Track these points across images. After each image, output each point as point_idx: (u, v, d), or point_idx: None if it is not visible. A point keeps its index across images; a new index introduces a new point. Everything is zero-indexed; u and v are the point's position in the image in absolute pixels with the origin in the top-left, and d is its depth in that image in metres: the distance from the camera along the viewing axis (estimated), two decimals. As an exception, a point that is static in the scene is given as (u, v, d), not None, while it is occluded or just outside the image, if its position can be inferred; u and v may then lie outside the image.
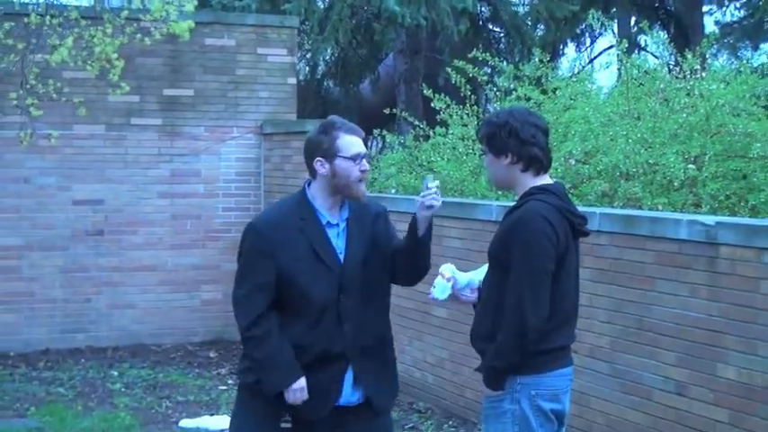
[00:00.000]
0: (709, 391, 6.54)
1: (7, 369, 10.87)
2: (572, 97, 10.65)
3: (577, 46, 24.63)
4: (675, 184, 8.76)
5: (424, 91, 11.91)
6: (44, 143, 11.25)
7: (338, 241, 4.83)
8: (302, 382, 4.72)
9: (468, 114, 11.18)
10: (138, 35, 10.85)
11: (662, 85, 10.05)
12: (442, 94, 11.39)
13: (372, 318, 4.86)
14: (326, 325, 4.73)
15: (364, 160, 4.82)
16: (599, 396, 7.43)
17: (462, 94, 11.26)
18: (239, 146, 12.52)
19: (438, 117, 11.52)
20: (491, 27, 20.93)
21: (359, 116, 19.33)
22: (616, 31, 22.48)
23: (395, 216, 9.56)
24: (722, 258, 6.41)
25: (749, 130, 8.79)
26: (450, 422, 8.91)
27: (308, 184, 4.91)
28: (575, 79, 11.42)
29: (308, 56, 20.70)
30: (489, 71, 15.93)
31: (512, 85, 11.23)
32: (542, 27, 21.06)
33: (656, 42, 12.11)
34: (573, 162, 9.60)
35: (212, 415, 9.13)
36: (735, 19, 24.05)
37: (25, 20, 10.38)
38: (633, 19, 22.92)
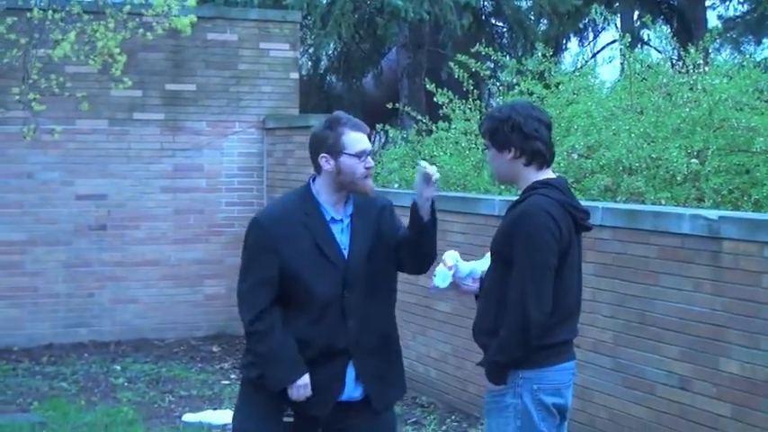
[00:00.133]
0: (712, 385, 6.54)
1: (11, 364, 10.88)
2: (575, 92, 10.65)
3: (580, 40, 24.65)
4: (678, 178, 8.76)
5: (427, 85, 11.91)
6: (47, 138, 11.27)
7: (342, 237, 4.81)
8: (306, 378, 4.71)
9: (470, 109, 11.18)
10: (141, 30, 10.87)
11: (665, 80, 10.05)
12: (445, 89, 11.39)
13: (377, 314, 4.85)
14: (330, 321, 4.73)
15: (369, 157, 4.80)
16: (602, 390, 7.43)
17: (465, 89, 11.26)
18: (242, 141, 12.52)
19: (441, 112, 11.52)
20: (494, 21, 20.94)
21: (362, 111, 19.33)
22: (619, 25, 22.51)
23: (398, 211, 9.58)
24: (725, 253, 6.41)
25: (752, 124, 8.79)
26: (453, 417, 8.91)
27: (313, 180, 4.88)
28: (577, 74, 11.42)
29: (311, 50, 20.68)
30: (492, 66, 15.91)
31: (514, 80, 11.23)
32: (545, 21, 21.08)
33: (658, 37, 12.08)
34: (576, 156, 9.60)
35: (215, 409, 9.14)
36: (738, 13, 24.06)
37: (28, 15, 10.40)
38: (636, 13, 22.91)
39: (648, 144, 9.12)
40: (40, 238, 11.74)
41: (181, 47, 12.19)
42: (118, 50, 10.59)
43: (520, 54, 17.27)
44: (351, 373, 4.79)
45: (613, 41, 23.36)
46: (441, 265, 4.93)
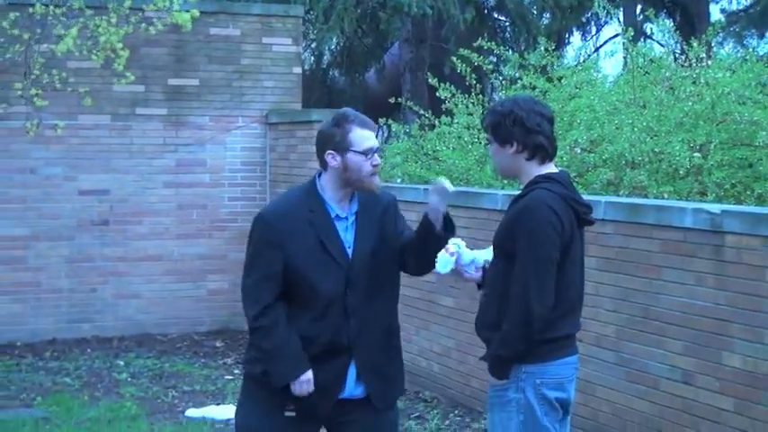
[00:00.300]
0: (715, 379, 6.54)
1: (14, 359, 10.89)
2: (577, 86, 10.64)
3: (583, 34, 24.61)
4: (681, 172, 8.76)
5: (430, 80, 11.90)
6: (50, 133, 11.28)
7: (347, 235, 4.79)
8: (309, 374, 4.71)
9: (473, 103, 11.17)
10: (143, 25, 10.86)
11: (667, 74, 10.04)
12: (448, 84, 11.37)
13: (379, 312, 4.84)
14: (332, 318, 4.72)
15: (376, 154, 4.78)
16: (605, 385, 7.43)
17: (468, 83, 11.25)
18: (244, 135, 12.52)
19: (443, 106, 11.52)
20: (496, 16, 20.94)
21: (364, 105, 19.33)
22: (622, 19, 22.45)
23: (401, 205, 9.57)
24: (728, 247, 6.40)
25: (755, 118, 8.77)
26: (456, 411, 8.91)
27: (319, 176, 4.86)
28: (580, 68, 11.39)
29: (314, 45, 20.69)
30: (495, 60, 15.89)
31: (517, 74, 11.23)
32: (548, 15, 21.06)
33: (661, 31, 12.10)
34: (578, 151, 9.59)
35: (218, 404, 9.15)
36: (741, 7, 24.04)
37: (30, 10, 10.40)
38: (639, 7, 22.89)
39: (651, 138, 9.11)
40: (43, 234, 11.75)
41: (183, 42, 12.19)
42: (120, 45, 10.58)
43: (522, 48, 17.25)
44: (352, 370, 4.79)
45: (616, 35, 23.37)
46: (443, 250, 4.90)
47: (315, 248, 4.71)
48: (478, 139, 10.65)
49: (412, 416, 8.83)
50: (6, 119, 11.21)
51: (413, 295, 9.35)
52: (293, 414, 4.77)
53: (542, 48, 11.22)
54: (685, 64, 10.16)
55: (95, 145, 11.95)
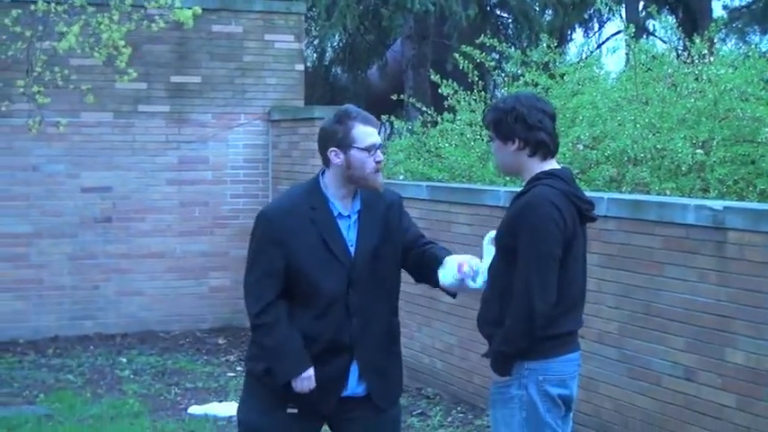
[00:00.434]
0: (717, 376, 6.53)
1: (16, 356, 10.90)
2: (580, 82, 10.64)
3: (585, 31, 24.62)
4: (683, 169, 8.76)
5: (432, 77, 11.90)
6: (52, 131, 11.28)
7: (349, 233, 4.78)
8: (310, 371, 4.70)
9: (475, 100, 11.17)
10: (145, 22, 10.86)
11: (670, 70, 10.04)
12: (450, 80, 11.37)
13: (381, 311, 4.84)
14: (334, 317, 4.71)
15: (379, 151, 4.76)
16: (607, 381, 7.43)
17: (470, 80, 11.25)
18: (247, 132, 12.52)
19: (446, 103, 11.51)
20: (499, 12, 20.94)
21: (366, 102, 19.33)
22: (624, 15, 22.45)
23: (404, 202, 9.56)
24: (730, 243, 6.40)
25: (757, 114, 8.77)
26: (459, 408, 8.91)
27: (322, 173, 4.85)
28: (582, 65, 11.40)
29: (316, 42, 20.69)
30: (497, 57, 15.90)
31: (519, 71, 11.23)
32: (550, 12, 21.06)
33: (664, 27, 12.08)
34: (581, 147, 9.59)
35: (221, 402, 9.15)
36: (743, 3, 24.03)
37: (32, 7, 10.40)
38: (641, 4, 22.89)
39: (653, 134, 9.11)
40: (46, 231, 11.75)
41: (186, 39, 12.19)
42: (122, 43, 10.58)
43: (525, 45, 17.27)
44: (354, 369, 4.78)
45: (618, 32, 23.33)
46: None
47: (317, 247, 4.70)
48: (481, 135, 10.65)
49: (414, 413, 8.83)
50: (9, 116, 11.21)
51: (414, 292, 9.33)
52: (295, 411, 4.77)
53: (545, 44, 11.22)
54: (688, 60, 10.16)
55: (98, 142, 11.95)
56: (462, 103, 11.21)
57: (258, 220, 4.81)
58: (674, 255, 6.82)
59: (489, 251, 4.87)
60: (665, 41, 13.34)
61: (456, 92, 11.25)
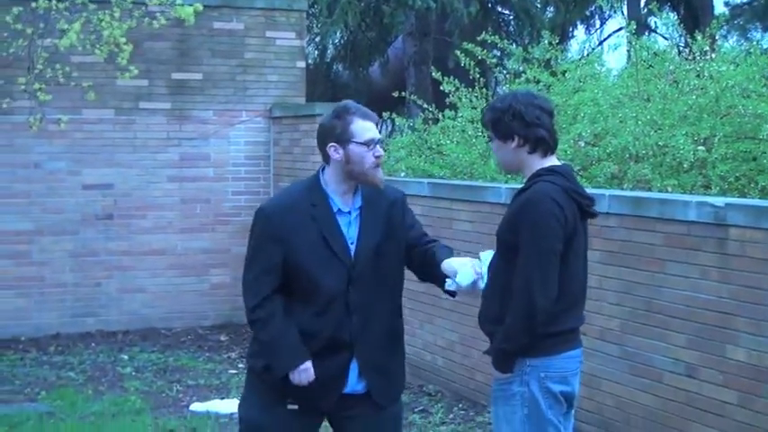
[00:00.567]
0: (718, 372, 6.53)
1: (18, 353, 10.91)
2: (581, 79, 10.64)
3: (587, 28, 24.61)
4: (685, 165, 8.75)
5: (434, 74, 11.89)
6: (53, 128, 11.28)
7: (350, 230, 4.77)
8: (308, 364, 4.69)
9: (477, 97, 11.16)
10: (146, 19, 10.86)
11: (671, 67, 10.03)
12: (452, 77, 11.37)
13: (382, 309, 4.82)
14: (334, 314, 4.70)
15: (378, 146, 4.75)
16: (609, 378, 7.43)
17: (472, 77, 11.24)
18: (248, 129, 12.52)
19: (447, 100, 11.51)
20: (500, 9, 20.92)
21: (368, 99, 19.30)
22: (626, 12, 22.46)
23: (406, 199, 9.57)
24: (732, 240, 6.40)
25: (759, 111, 8.76)
26: (461, 405, 8.92)
27: (322, 170, 4.84)
28: (584, 61, 11.40)
29: (317, 39, 20.69)
30: (498, 54, 15.89)
31: (521, 68, 11.22)
32: (552, 9, 21.05)
33: (665, 24, 12.08)
34: (582, 144, 9.58)
35: (222, 399, 9.15)
36: (745, 0, 24.00)
37: (33, 4, 10.39)
38: (643, 0, 22.86)
39: (655, 131, 9.10)
40: (47, 228, 11.76)
41: (187, 36, 12.19)
42: (123, 40, 10.58)
43: (526, 42, 17.26)
44: (354, 366, 4.77)
45: (620, 29, 23.31)
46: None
47: (317, 243, 4.69)
48: (482, 132, 10.63)
49: (416, 409, 8.84)
50: (10, 113, 11.20)
51: (417, 289, 9.32)
52: (296, 407, 4.77)
53: (546, 41, 11.22)
54: (689, 57, 10.16)
55: (99, 139, 11.95)
56: (464, 100, 11.20)
57: (257, 216, 4.81)
58: (676, 252, 6.82)
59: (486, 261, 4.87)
60: (666, 38, 13.35)
61: (457, 89, 11.25)
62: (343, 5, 16.69)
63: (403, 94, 13.39)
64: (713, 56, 10.07)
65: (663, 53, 10.52)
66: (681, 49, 11.10)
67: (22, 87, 10.59)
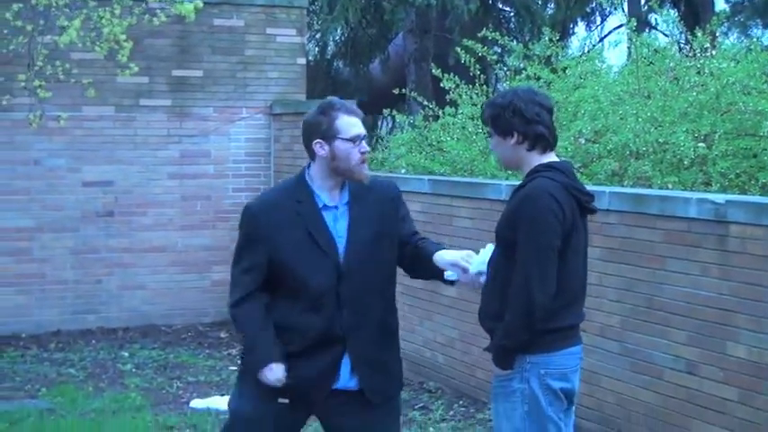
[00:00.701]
0: (719, 369, 6.53)
1: (19, 350, 10.92)
2: (582, 76, 10.63)
3: (587, 25, 24.57)
4: (685, 162, 8.75)
5: (434, 71, 11.89)
6: (53, 125, 11.28)
7: (337, 225, 4.76)
8: (277, 365, 4.71)
9: (477, 94, 11.16)
10: (147, 16, 10.85)
11: (672, 64, 10.03)
12: (452, 74, 11.36)
13: (374, 304, 4.81)
14: (325, 309, 4.70)
15: (364, 142, 4.74)
16: (609, 375, 7.43)
17: (472, 74, 11.24)
18: (249, 126, 12.51)
19: (448, 97, 11.50)
20: (501, 6, 20.90)
21: (368, 96, 19.31)
22: (626, 9, 22.42)
23: (406, 195, 9.56)
24: (732, 237, 6.40)
25: (759, 108, 8.76)
26: (461, 402, 8.92)
27: (308, 167, 4.85)
28: (584, 58, 11.39)
29: (318, 36, 20.67)
30: (499, 50, 15.89)
31: (521, 65, 11.21)
32: (552, 6, 21.04)
33: (666, 21, 12.05)
34: (583, 141, 9.58)
35: (223, 395, 9.14)
36: (745, -3, 23.97)
37: (33, 1, 10.37)
38: (643, -3, 22.84)
39: (655, 128, 9.10)
40: (48, 225, 11.76)
41: (187, 33, 12.19)
42: (124, 37, 10.57)
43: (527, 39, 17.23)
44: (346, 362, 4.76)
45: (620, 26, 23.30)
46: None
47: (303, 240, 4.70)
48: (482, 129, 10.62)
49: (416, 406, 8.84)
50: (10, 110, 11.20)
51: (416, 285, 9.34)
52: (286, 402, 4.76)
53: (547, 38, 11.21)
54: (690, 54, 10.16)
55: (99, 136, 11.96)
56: (464, 96, 11.20)
57: (243, 214, 4.85)
58: (676, 248, 6.82)
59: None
60: (667, 35, 13.33)
61: (458, 86, 11.25)
62: (344, 2, 16.68)
63: (403, 90, 13.38)
64: (714, 53, 10.07)
65: (663, 50, 10.52)
66: (681, 45, 11.11)
67: (22, 84, 10.59)
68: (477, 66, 11.17)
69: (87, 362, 10.48)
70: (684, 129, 8.83)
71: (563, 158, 4.92)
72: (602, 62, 11.40)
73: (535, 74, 10.71)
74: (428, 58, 18.21)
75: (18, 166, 11.63)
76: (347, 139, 4.69)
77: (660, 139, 8.95)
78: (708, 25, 10.42)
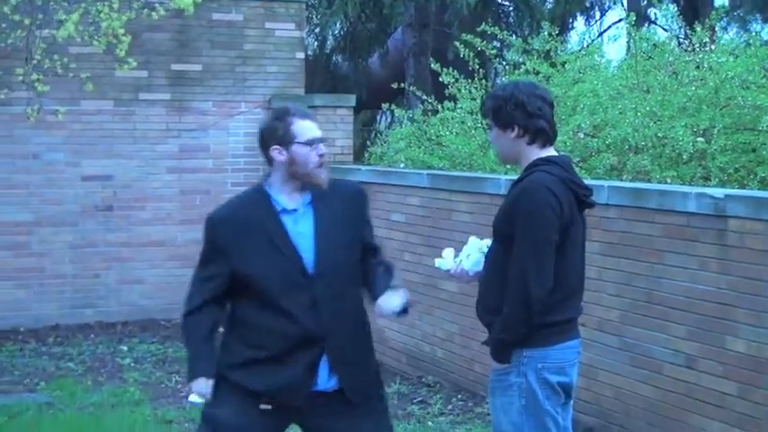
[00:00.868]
0: (718, 364, 6.54)
1: (17, 344, 10.91)
2: (581, 71, 10.64)
3: (587, 19, 24.52)
4: (684, 157, 8.75)
5: (433, 65, 11.88)
6: (52, 119, 11.27)
7: (298, 227, 4.72)
8: (205, 381, 4.74)
9: (476, 88, 11.16)
10: (145, 10, 10.84)
11: (671, 58, 10.03)
12: (451, 69, 11.36)
13: (349, 302, 4.79)
14: (299, 311, 4.64)
15: (321, 145, 4.73)
16: (608, 369, 7.43)
17: (471, 68, 11.24)
18: (248, 121, 12.49)
19: (447, 91, 11.50)
20: (500, 0, 20.86)
21: (367, 90, 19.28)
22: (625, 3, 22.42)
23: (405, 190, 9.58)
24: (731, 231, 6.40)
25: (758, 102, 8.76)
26: (460, 396, 8.92)
27: (267, 176, 4.83)
28: (584, 53, 11.40)
29: (317, 30, 20.64)
30: (498, 45, 15.86)
31: (520, 59, 11.22)
32: (551, 0, 21.00)
33: (665, 15, 12.07)
34: (582, 135, 9.58)
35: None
36: (745, -9, 23.93)
37: (32, -5, 10.37)
38: (643, -8, 22.81)
39: (654, 123, 9.10)
40: (46, 219, 11.75)
41: (186, 27, 12.17)
42: (122, 31, 10.56)
43: (526, 33, 17.21)
44: (325, 363, 4.70)
45: (620, 20, 23.27)
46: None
47: (264, 246, 4.68)
48: (481, 124, 10.63)
49: (415, 400, 8.84)
50: (8, 104, 11.18)
51: (415, 280, 9.35)
52: (269, 407, 4.71)
53: (546, 33, 11.22)
54: (689, 49, 10.16)
55: (98, 130, 11.94)
56: (463, 91, 11.20)
57: (205, 225, 4.87)
58: (675, 243, 6.82)
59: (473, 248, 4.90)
60: (666, 30, 13.35)
61: (457, 80, 11.24)
62: (343, -4, 16.65)
63: (402, 85, 13.39)
64: (713, 47, 10.07)
65: (662, 44, 10.52)
66: (680, 40, 11.09)
67: (20, 78, 10.58)
68: (477, 60, 11.17)
69: (86, 356, 10.48)
70: (683, 123, 8.83)
71: (562, 153, 4.92)
72: (601, 57, 11.42)
73: (534, 68, 10.71)
74: (427, 53, 18.19)
75: (17, 160, 11.61)
76: (304, 143, 4.69)
77: (659, 134, 8.95)
78: (707, 20, 10.42)
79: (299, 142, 4.70)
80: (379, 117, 20.73)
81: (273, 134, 4.75)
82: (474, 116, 10.89)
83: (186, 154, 12.29)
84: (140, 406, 8.61)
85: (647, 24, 19.67)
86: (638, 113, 9.08)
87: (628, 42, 11.66)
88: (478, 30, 11.59)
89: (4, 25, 10.64)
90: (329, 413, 4.78)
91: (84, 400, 8.82)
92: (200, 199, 12.32)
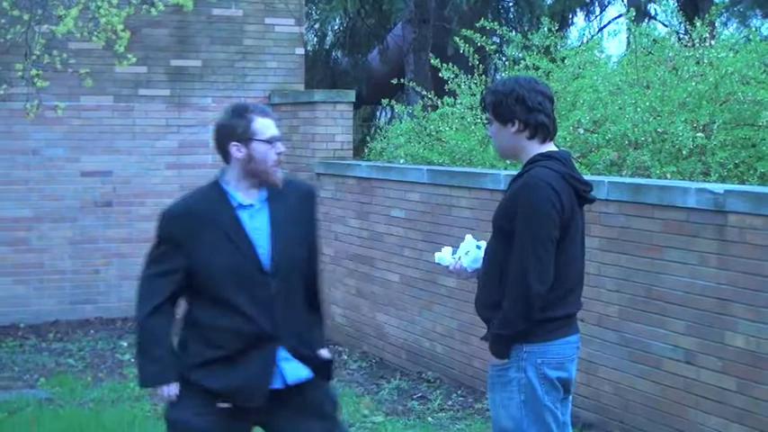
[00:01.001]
0: (717, 359, 6.54)
1: (17, 340, 10.92)
2: (581, 66, 10.63)
3: (586, 15, 24.51)
4: (684, 152, 8.75)
5: (433, 61, 11.88)
6: (52, 115, 11.27)
7: (254, 222, 4.70)
8: (174, 386, 4.70)
9: (476, 84, 11.16)
10: (145, 6, 10.84)
11: (671, 54, 10.02)
12: (451, 64, 11.36)
13: (300, 299, 4.78)
14: (253, 310, 4.62)
15: (279, 143, 4.72)
16: (607, 364, 7.44)
17: (471, 64, 11.24)
18: (247, 117, 12.47)
19: (446, 87, 11.50)
20: (500, -4, 20.86)
21: (367, 86, 19.29)
22: (625, -1, 22.39)
23: (405, 185, 9.58)
24: (731, 226, 6.40)
25: (758, 98, 8.76)
26: (459, 391, 8.92)
27: (222, 172, 4.81)
28: (583, 48, 11.38)
29: (316, 26, 20.64)
30: (498, 40, 15.87)
31: (520, 55, 11.21)
32: (551, -4, 20.97)
33: (665, 10, 12.05)
34: (581, 131, 9.57)
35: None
36: (745, -13, 23.92)
37: (31, -10, 10.38)
38: (643, -13, 22.80)
39: (654, 118, 9.10)
40: (46, 215, 11.75)
41: (185, 23, 12.17)
42: (121, 27, 10.56)
43: (526, 29, 17.22)
44: (281, 358, 4.68)
45: (620, 16, 23.28)
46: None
47: (219, 241, 4.64)
48: (481, 119, 10.64)
49: (415, 396, 8.85)
50: (8, 100, 11.20)
51: (415, 276, 9.35)
52: (227, 406, 4.66)
53: (546, 28, 11.21)
54: (689, 44, 10.15)
55: (98, 126, 11.94)
56: (463, 87, 11.20)
57: (160, 219, 4.76)
58: (675, 238, 6.82)
59: (470, 245, 4.92)
60: (666, 25, 13.32)
61: (456, 76, 11.24)
62: (343, -8, 16.66)
63: (402, 80, 13.38)
64: (713, 43, 10.07)
65: (662, 40, 10.51)
66: (680, 35, 11.09)
67: (20, 74, 10.58)
68: (476, 56, 11.17)
69: (86, 352, 10.49)
70: (683, 118, 8.83)
71: (562, 148, 4.91)
72: (601, 52, 11.41)
73: (534, 64, 10.71)
74: (427, 48, 18.20)
75: (16, 156, 11.62)
76: (264, 141, 4.67)
77: (659, 129, 8.94)
78: (707, 15, 10.42)
79: (258, 140, 4.67)
80: (378, 113, 20.73)
81: (233, 131, 4.71)
82: (474, 112, 10.89)
83: (186, 150, 12.29)
84: (140, 402, 8.61)
85: (646, 20, 19.67)
86: (638, 109, 9.08)
87: (627, 38, 11.66)
88: (478, 25, 11.58)
89: (3, 21, 10.65)
90: (290, 413, 4.76)
91: (84, 395, 8.82)
92: (199, 195, 12.29)
